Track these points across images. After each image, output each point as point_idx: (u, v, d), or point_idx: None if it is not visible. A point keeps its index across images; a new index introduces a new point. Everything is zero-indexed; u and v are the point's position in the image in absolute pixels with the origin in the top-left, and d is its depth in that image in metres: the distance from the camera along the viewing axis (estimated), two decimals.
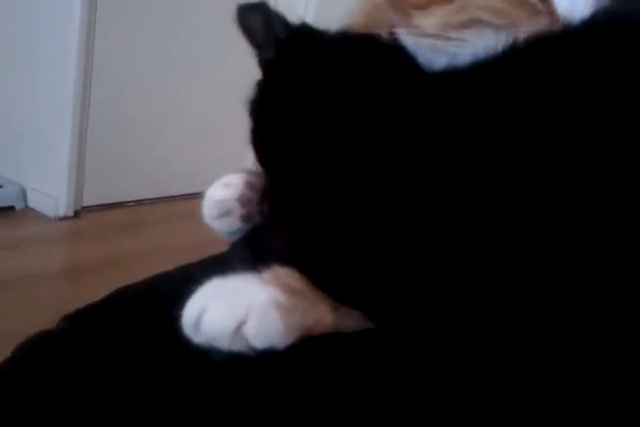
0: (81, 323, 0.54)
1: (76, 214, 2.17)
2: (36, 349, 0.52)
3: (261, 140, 0.50)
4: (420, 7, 0.46)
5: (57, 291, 1.74)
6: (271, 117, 0.48)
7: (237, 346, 0.41)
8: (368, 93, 0.44)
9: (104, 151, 2.19)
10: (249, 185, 0.55)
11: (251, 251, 0.55)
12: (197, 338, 0.42)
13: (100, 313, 0.55)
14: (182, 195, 2.45)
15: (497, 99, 0.41)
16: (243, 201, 0.54)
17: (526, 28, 0.43)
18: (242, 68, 2.07)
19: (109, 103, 2.17)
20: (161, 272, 0.63)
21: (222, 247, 2.02)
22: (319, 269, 0.45)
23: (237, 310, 0.41)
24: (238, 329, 0.41)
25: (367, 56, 0.46)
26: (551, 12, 0.43)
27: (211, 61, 2.38)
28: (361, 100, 0.44)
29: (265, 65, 0.50)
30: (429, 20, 0.45)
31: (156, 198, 2.40)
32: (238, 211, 0.54)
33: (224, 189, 0.55)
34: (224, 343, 0.41)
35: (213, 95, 2.43)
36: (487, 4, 0.44)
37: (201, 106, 2.42)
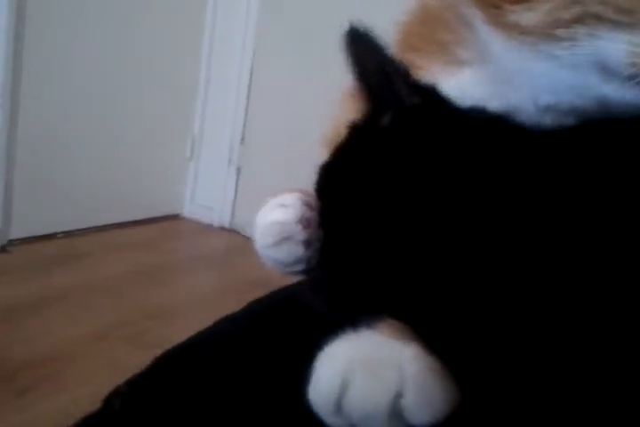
0: (136, 402, 0.44)
1: (3, 248, 1.99)
2: None
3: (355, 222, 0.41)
4: (520, 1, 0.37)
5: None
6: (382, 191, 0.39)
7: (391, 426, 0.33)
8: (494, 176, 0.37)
9: (33, 180, 2.05)
10: (307, 204, 0.46)
11: (328, 299, 0.47)
12: (338, 421, 0.34)
13: (155, 387, 0.45)
14: (114, 224, 2.31)
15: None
16: (303, 223, 0.45)
17: None
18: (176, 95, 2.02)
19: (38, 131, 2.03)
20: (200, 331, 0.54)
21: (166, 277, 1.89)
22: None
23: (389, 381, 0.34)
24: (394, 405, 0.33)
25: (501, 141, 0.38)
26: None
27: (143, 93, 2.31)
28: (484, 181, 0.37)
29: (371, 127, 0.42)
30: (531, 16, 0.37)
31: (87, 229, 2.24)
32: (300, 234, 0.45)
33: (281, 210, 0.46)
34: (377, 424, 0.33)
35: (145, 123, 2.36)
36: None
37: (132, 133, 2.33)
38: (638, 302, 0.33)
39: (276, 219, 0.46)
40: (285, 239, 0.45)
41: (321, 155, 0.49)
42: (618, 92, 0.36)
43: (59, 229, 2.16)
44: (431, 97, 0.40)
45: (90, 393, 1.30)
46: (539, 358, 0.34)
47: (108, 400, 0.45)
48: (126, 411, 0.43)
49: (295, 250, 0.45)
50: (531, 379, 0.34)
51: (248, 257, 1.83)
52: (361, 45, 0.42)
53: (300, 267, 0.46)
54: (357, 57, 0.42)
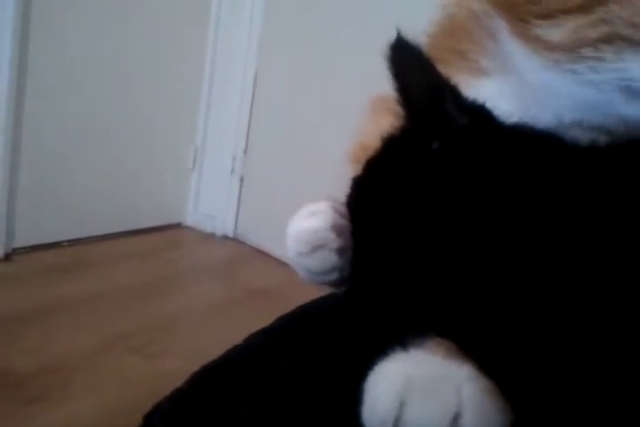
0: (178, 419, 0.44)
1: (7, 257, 1.98)
2: None
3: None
4: (548, 16, 0.37)
5: None
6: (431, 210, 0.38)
7: None
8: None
9: (37, 188, 2.04)
10: (339, 212, 0.46)
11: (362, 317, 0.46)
12: None
13: (196, 403, 0.45)
14: (122, 232, 2.31)
15: None
16: (336, 231, 0.45)
17: None
18: (179, 105, 2.01)
19: (42, 138, 2.02)
20: (236, 345, 0.53)
21: (170, 287, 1.88)
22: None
23: (447, 402, 0.34)
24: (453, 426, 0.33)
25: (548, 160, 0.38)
26: None
27: (146, 104, 2.31)
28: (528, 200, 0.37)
29: (417, 147, 0.40)
30: (557, 32, 0.37)
31: (91, 237, 2.23)
32: (333, 242, 0.44)
33: (313, 218, 0.46)
34: None
35: (148, 133, 2.36)
36: (637, 20, 0.35)
37: (135, 143, 2.33)
38: None
39: (309, 227, 0.45)
40: (319, 247, 0.45)
41: (346, 168, 0.49)
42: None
43: (63, 238, 2.15)
44: (479, 115, 0.39)
45: (97, 403, 1.31)
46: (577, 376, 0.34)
47: (149, 417, 0.44)
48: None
49: (329, 258, 0.45)
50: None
51: (251, 266, 1.83)
52: (406, 59, 0.41)
53: (334, 276, 0.45)
54: (402, 70, 0.41)
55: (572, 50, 0.37)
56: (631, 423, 0.34)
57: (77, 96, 2.09)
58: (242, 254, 2.38)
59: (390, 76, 0.41)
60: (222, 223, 2.52)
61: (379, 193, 0.41)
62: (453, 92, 0.39)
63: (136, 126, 2.30)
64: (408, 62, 0.41)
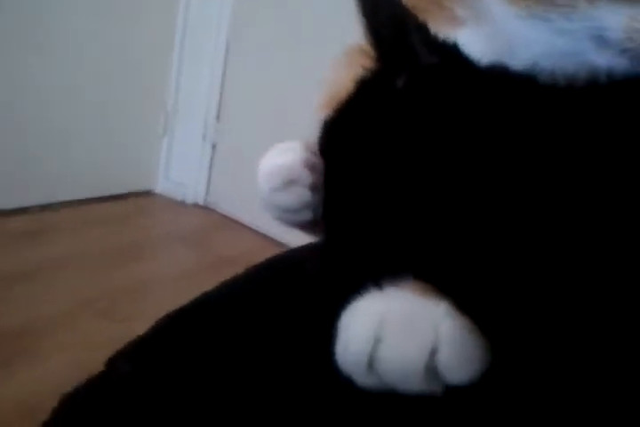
0: (147, 362, 0.43)
1: None
2: (97, 400, 0.40)
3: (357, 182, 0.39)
4: None
5: None
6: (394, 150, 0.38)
7: (427, 385, 0.33)
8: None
9: (4, 154, 1.98)
10: (311, 150, 0.45)
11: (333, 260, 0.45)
12: (369, 380, 0.33)
13: (165, 346, 0.44)
14: (91, 198, 2.27)
15: None
16: (309, 167, 0.44)
17: None
18: (149, 69, 1.98)
19: (10, 103, 1.97)
20: (203, 292, 0.52)
21: (140, 253, 1.87)
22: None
23: (424, 338, 0.33)
24: (429, 362, 0.32)
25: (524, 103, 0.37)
26: None
27: (115, 67, 2.25)
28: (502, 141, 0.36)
29: (384, 87, 0.39)
30: None
31: (59, 203, 2.19)
32: (306, 178, 0.44)
33: (285, 155, 0.45)
34: (412, 382, 0.33)
35: (121, 92, 2.30)
36: None
37: (104, 108, 2.28)
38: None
39: (282, 162, 0.45)
40: (291, 182, 0.44)
41: (318, 119, 0.48)
42: (611, 63, 0.36)
43: (30, 204, 2.11)
44: (451, 55, 0.38)
45: (65, 365, 1.30)
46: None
47: (112, 362, 0.43)
48: (136, 372, 0.41)
49: (302, 193, 0.44)
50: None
51: (222, 234, 1.82)
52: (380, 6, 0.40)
53: (307, 215, 0.45)
54: (369, 8, 0.40)
55: None
56: (606, 360, 0.33)
57: (45, 61, 2.04)
58: (213, 222, 2.36)
59: (358, 14, 0.40)
60: (193, 191, 2.50)
61: (347, 135, 0.40)
62: (421, 29, 0.38)
63: (105, 91, 2.25)
64: (380, 11, 0.39)
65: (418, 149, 0.37)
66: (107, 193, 2.34)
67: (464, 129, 0.36)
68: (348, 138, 0.40)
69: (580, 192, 0.34)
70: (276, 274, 0.49)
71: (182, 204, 2.50)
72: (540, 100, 0.36)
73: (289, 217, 0.46)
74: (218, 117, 2.43)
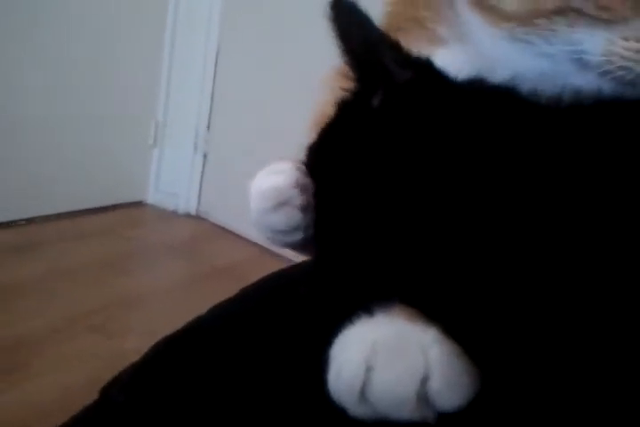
0: (140, 392, 0.42)
1: None
2: None
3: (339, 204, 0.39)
4: None
5: None
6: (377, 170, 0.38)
7: (419, 412, 0.32)
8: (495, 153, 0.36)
9: None
10: (302, 171, 0.46)
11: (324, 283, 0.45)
12: (361, 410, 0.33)
13: (159, 376, 0.43)
14: (82, 210, 2.27)
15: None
16: (300, 188, 0.45)
17: (637, 23, 0.36)
18: (139, 80, 1.97)
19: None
20: (196, 317, 0.52)
21: (131, 265, 1.85)
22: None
23: (415, 365, 0.33)
24: (421, 389, 0.32)
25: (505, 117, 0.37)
26: None
27: (105, 78, 2.25)
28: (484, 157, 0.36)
29: (360, 107, 0.39)
30: (512, 2, 0.38)
31: (51, 215, 2.18)
32: (296, 199, 0.44)
33: (276, 176, 0.46)
34: (404, 410, 0.32)
35: (111, 104, 2.30)
36: None
37: (94, 119, 2.27)
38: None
39: (273, 184, 0.45)
40: (282, 204, 0.44)
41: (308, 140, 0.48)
42: (591, 85, 0.37)
43: (19, 217, 2.10)
44: (424, 71, 0.38)
45: (56, 382, 1.28)
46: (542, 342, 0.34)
47: (107, 391, 0.43)
48: (130, 402, 0.41)
49: (293, 215, 0.44)
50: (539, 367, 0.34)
51: (215, 244, 1.80)
52: (346, 17, 0.40)
53: (298, 236, 0.45)
54: (343, 30, 0.40)
55: (526, 20, 0.37)
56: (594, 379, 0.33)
57: (35, 69, 2.02)
58: (205, 232, 2.35)
59: (333, 36, 0.40)
60: (185, 201, 2.49)
61: (330, 158, 0.41)
62: (393, 47, 0.38)
63: (95, 101, 2.24)
64: (348, 20, 0.39)
65: (394, 167, 0.37)
66: (97, 204, 2.33)
67: (438, 144, 0.36)
68: (332, 161, 0.40)
69: (556, 209, 0.34)
70: (269, 297, 0.49)
71: (174, 214, 2.49)
72: (519, 115, 0.36)
73: (280, 238, 0.46)
74: (208, 127, 2.43)
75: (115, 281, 1.84)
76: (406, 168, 0.36)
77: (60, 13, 2.05)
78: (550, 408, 0.34)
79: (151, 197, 2.56)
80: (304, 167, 0.45)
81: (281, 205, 0.44)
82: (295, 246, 0.47)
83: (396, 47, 0.38)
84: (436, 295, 0.36)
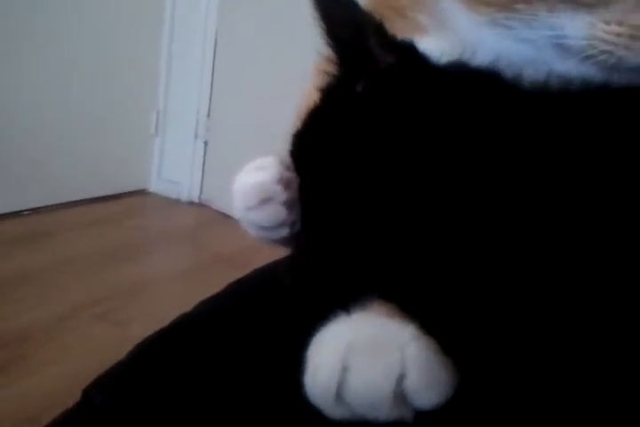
0: (119, 395, 0.42)
1: None
2: None
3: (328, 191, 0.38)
4: None
5: None
6: (360, 157, 0.37)
7: (396, 411, 0.33)
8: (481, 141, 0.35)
9: None
10: (285, 166, 0.45)
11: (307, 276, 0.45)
12: (338, 411, 0.33)
13: (138, 379, 0.44)
14: (85, 199, 2.27)
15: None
16: (283, 184, 0.44)
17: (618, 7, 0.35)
18: (139, 69, 1.95)
19: (1, 104, 1.96)
20: (182, 314, 0.52)
21: (135, 254, 1.84)
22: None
23: (391, 364, 0.33)
24: (398, 388, 0.32)
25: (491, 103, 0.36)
26: None
27: (106, 68, 2.24)
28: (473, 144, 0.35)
29: (344, 92, 0.39)
30: None
31: (53, 205, 2.19)
32: (281, 195, 0.44)
33: (259, 172, 0.45)
34: (381, 410, 0.33)
35: (112, 93, 2.30)
36: None
37: (96, 109, 2.27)
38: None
39: (256, 181, 0.45)
40: (267, 200, 0.44)
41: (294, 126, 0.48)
42: (573, 70, 0.36)
43: (24, 207, 2.11)
44: (408, 55, 0.37)
45: (64, 371, 1.30)
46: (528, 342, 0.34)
47: (88, 393, 0.43)
48: (109, 405, 0.41)
49: (277, 211, 0.44)
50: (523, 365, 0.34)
51: (218, 231, 1.80)
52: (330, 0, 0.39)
53: (284, 232, 0.45)
54: (326, 12, 0.39)
55: (506, 5, 0.37)
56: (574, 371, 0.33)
57: (36, 63, 2.02)
58: (208, 220, 2.36)
59: (315, 18, 0.39)
60: (187, 189, 2.49)
61: (315, 146, 0.40)
62: (378, 30, 0.37)
63: (96, 91, 2.24)
64: (331, 2, 0.38)
65: (377, 153, 0.36)
66: (100, 194, 2.34)
67: (422, 129, 0.35)
68: (316, 148, 0.40)
69: (541, 198, 0.33)
70: (255, 294, 0.49)
71: (177, 202, 2.50)
72: (504, 99, 0.36)
73: (266, 234, 0.46)
74: (209, 115, 2.42)
75: (119, 269, 1.84)
76: (390, 154, 0.36)
77: (60, 5, 2.04)
78: (529, 405, 0.34)
79: (154, 186, 2.57)
80: (288, 158, 0.44)
81: (265, 201, 0.44)
82: (283, 243, 0.47)
83: (379, 29, 0.37)
84: (416, 289, 0.35)
